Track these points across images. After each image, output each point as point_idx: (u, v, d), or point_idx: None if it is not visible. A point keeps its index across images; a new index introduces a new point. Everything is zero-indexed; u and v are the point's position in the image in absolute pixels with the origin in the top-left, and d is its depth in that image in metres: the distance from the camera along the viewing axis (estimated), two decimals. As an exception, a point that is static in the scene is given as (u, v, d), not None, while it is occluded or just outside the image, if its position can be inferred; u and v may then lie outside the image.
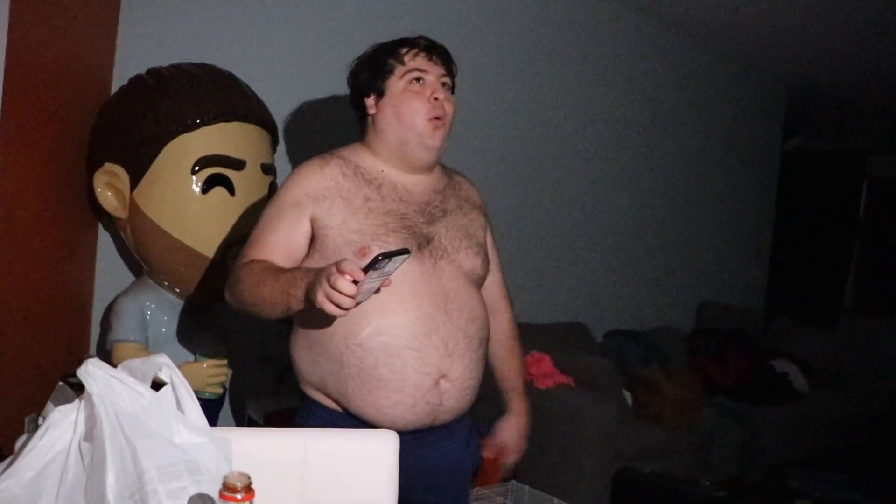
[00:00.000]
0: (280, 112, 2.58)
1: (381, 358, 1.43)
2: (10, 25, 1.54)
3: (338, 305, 1.22)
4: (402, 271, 1.35)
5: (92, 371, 0.98)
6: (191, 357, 2.13)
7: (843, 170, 6.81)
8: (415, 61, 1.54)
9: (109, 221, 2.31)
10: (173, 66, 2.14)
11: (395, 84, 1.54)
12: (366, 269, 1.22)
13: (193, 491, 0.94)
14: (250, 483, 0.84)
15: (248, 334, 2.47)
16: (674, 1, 3.97)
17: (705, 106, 4.80)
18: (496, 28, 3.51)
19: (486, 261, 1.65)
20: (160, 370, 1.06)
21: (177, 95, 2.04)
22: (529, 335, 3.48)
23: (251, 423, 2.58)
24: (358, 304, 1.26)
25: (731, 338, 4.43)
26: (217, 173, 2.06)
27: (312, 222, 1.49)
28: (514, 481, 2.75)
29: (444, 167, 1.69)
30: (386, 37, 1.62)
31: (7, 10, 1.51)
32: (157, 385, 1.07)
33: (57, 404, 1.03)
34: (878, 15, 3.90)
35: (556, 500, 2.64)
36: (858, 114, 6.33)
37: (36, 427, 1.03)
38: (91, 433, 0.98)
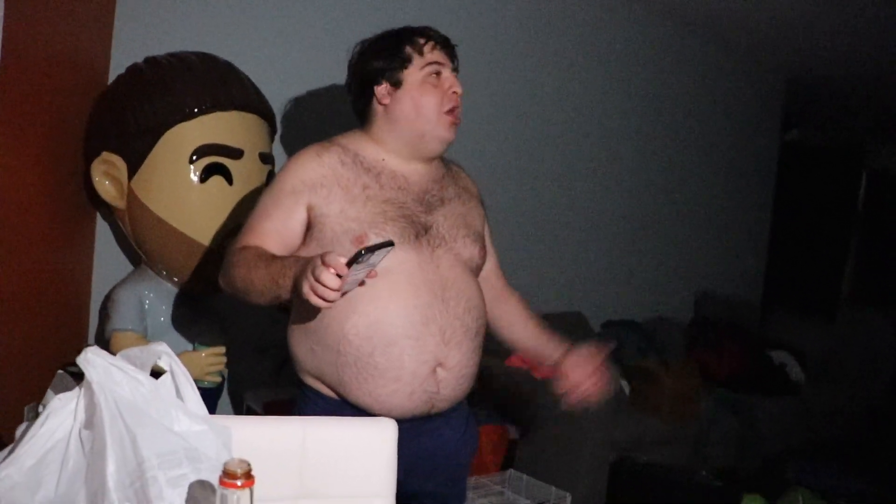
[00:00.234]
0: (278, 101, 2.58)
1: (378, 346, 1.43)
2: (5, 14, 1.53)
3: (322, 298, 1.23)
4: (400, 260, 1.36)
5: (91, 359, 0.99)
6: (189, 346, 2.13)
7: (841, 161, 6.81)
8: (433, 54, 1.54)
9: (107, 211, 2.31)
10: (171, 55, 2.14)
11: (414, 75, 1.53)
12: (349, 263, 1.22)
13: (193, 478, 0.95)
14: (250, 470, 0.85)
15: (246, 323, 2.47)
16: (673, -9, 3.96)
17: (703, 97, 4.79)
18: (494, 19, 3.50)
19: (484, 249, 1.65)
20: (159, 358, 1.07)
21: (174, 84, 2.03)
22: (528, 325, 3.50)
23: (250, 413, 2.58)
24: (344, 293, 1.26)
25: (729, 328, 4.44)
26: (215, 162, 2.06)
27: (309, 210, 1.49)
28: (511, 470, 2.76)
29: (442, 158, 1.69)
30: (383, 27, 1.61)
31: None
32: (156, 373, 1.07)
33: (57, 392, 1.04)
34: (876, 7, 3.89)
35: (553, 489, 2.65)
36: (857, 105, 6.32)
37: (35, 416, 1.03)
38: (91, 421, 0.98)
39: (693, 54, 4.65)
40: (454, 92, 1.55)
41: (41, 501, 0.95)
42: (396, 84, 1.53)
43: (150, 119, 2.02)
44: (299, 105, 2.77)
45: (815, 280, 6.62)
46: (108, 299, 2.19)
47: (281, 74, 2.71)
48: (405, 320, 1.44)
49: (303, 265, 1.28)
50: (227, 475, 0.83)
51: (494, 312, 1.74)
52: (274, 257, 1.42)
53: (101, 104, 2.15)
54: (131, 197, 2.07)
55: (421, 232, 1.51)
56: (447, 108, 1.54)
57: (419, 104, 1.52)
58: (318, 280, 1.21)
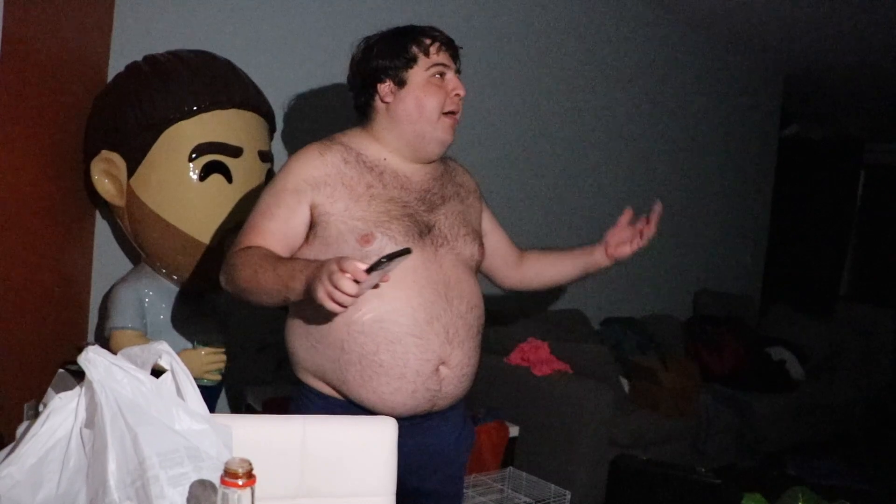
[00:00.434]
0: (277, 99, 2.57)
1: (382, 344, 1.43)
2: (5, 13, 1.53)
3: (338, 303, 1.23)
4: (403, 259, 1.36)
5: (93, 358, 0.99)
6: (189, 344, 2.13)
7: (840, 157, 6.80)
8: (438, 55, 1.54)
9: (107, 209, 2.31)
10: (170, 53, 2.13)
11: (418, 75, 1.52)
12: (369, 270, 1.22)
13: (195, 477, 0.95)
14: (251, 469, 0.85)
15: (245, 321, 2.47)
16: (672, -12, 3.96)
17: (702, 93, 4.79)
18: (495, 15, 3.49)
19: (482, 247, 1.66)
20: (160, 357, 1.07)
21: (173, 82, 2.03)
22: (527, 322, 3.51)
23: (249, 411, 2.58)
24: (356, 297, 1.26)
25: (728, 325, 4.45)
26: (214, 160, 2.05)
27: (312, 209, 1.48)
28: (511, 468, 2.77)
29: None
30: (383, 25, 1.61)
31: (2, -2, 1.50)
32: (156, 372, 1.07)
33: (57, 391, 1.04)
34: (874, 3, 3.89)
35: (553, 486, 2.66)
36: (856, 101, 6.33)
37: (35, 414, 1.03)
38: (92, 420, 0.98)
39: (691, 50, 4.64)
40: (457, 94, 1.55)
41: (42, 500, 0.95)
42: (400, 83, 1.53)
43: (149, 117, 2.01)
44: (298, 103, 2.77)
45: (813, 276, 6.62)
46: (107, 297, 2.19)
47: (280, 72, 2.71)
48: (410, 318, 1.44)
49: (316, 269, 1.28)
50: (229, 474, 0.83)
51: (523, 272, 1.85)
52: (281, 259, 1.41)
53: (100, 102, 2.14)
54: (130, 195, 2.07)
55: (424, 231, 1.51)
56: (448, 109, 1.54)
57: (422, 104, 1.52)
58: (335, 286, 1.22)
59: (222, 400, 2.64)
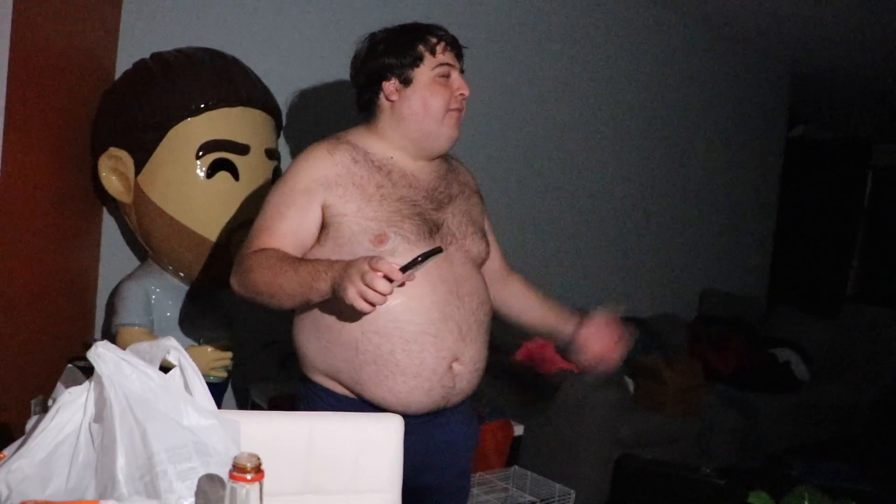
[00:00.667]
0: (284, 97, 2.58)
1: (398, 343, 1.44)
2: (14, 11, 1.54)
3: (369, 303, 1.24)
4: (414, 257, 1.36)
5: (102, 353, 0.99)
6: (195, 341, 2.14)
7: (847, 158, 6.78)
8: (444, 55, 1.54)
9: (114, 206, 2.32)
10: (177, 51, 2.14)
11: (425, 74, 1.52)
12: (403, 269, 1.23)
13: (203, 472, 0.95)
14: (260, 464, 0.85)
15: (251, 318, 2.47)
16: (679, -13, 3.95)
17: (709, 93, 4.78)
18: (495, 13, 3.49)
19: (488, 245, 1.67)
20: (168, 353, 1.07)
21: (180, 80, 2.04)
22: (532, 322, 3.50)
23: (255, 407, 2.59)
24: None
25: (733, 326, 4.43)
26: (221, 158, 2.06)
27: (324, 209, 1.47)
28: (515, 466, 2.77)
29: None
30: (388, 22, 1.61)
31: (11, -5, 1.51)
32: (164, 368, 1.08)
33: (66, 386, 1.04)
34: (882, 3, 3.88)
35: (557, 485, 2.66)
36: (863, 102, 6.30)
37: (43, 410, 1.04)
38: (101, 415, 0.99)
39: (698, 51, 4.63)
40: (462, 94, 1.55)
41: (52, 494, 0.95)
42: (406, 82, 1.52)
43: (156, 115, 2.02)
44: (305, 101, 2.77)
45: (819, 277, 6.60)
46: (114, 294, 2.19)
47: (287, 70, 2.71)
48: (424, 317, 1.45)
49: (343, 269, 1.28)
50: (238, 469, 0.84)
51: (503, 297, 1.77)
52: (300, 260, 1.41)
53: (107, 100, 2.15)
54: (138, 192, 2.08)
55: (434, 229, 1.51)
56: (452, 107, 1.54)
57: (427, 104, 1.52)
58: (369, 285, 1.22)
59: (228, 397, 2.64)
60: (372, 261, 1.24)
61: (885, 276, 6.88)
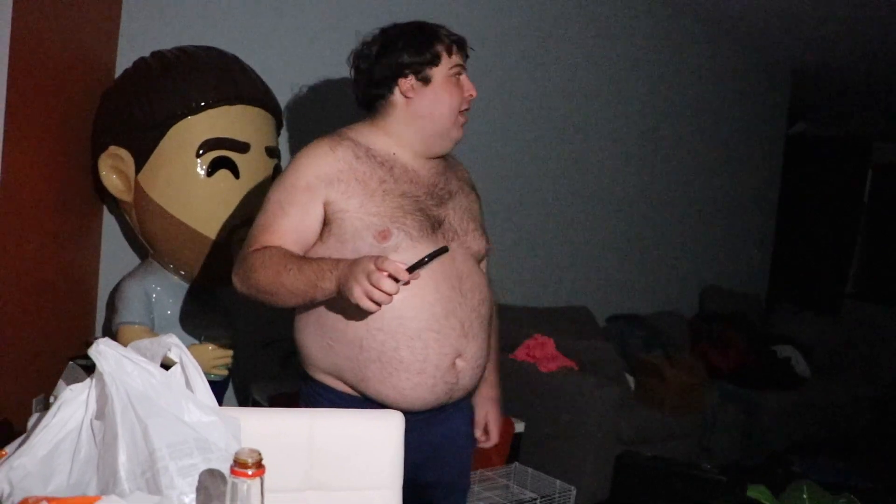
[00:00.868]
0: (284, 95, 2.58)
1: (402, 340, 1.44)
2: (14, 10, 1.54)
3: (375, 302, 1.25)
4: (419, 254, 1.36)
5: (103, 350, 0.99)
6: (196, 339, 2.14)
7: (847, 155, 6.78)
8: (457, 56, 1.55)
9: (114, 205, 2.32)
10: (177, 49, 2.14)
11: (442, 74, 1.53)
12: (410, 269, 1.23)
13: (204, 468, 0.96)
14: (261, 459, 0.85)
15: (252, 317, 2.48)
16: (679, -16, 3.95)
17: (709, 91, 4.78)
18: (496, 12, 3.49)
19: (487, 241, 1.67)
20: (170, 350, 1.07)
21: (181, 78, 2.04)
22: (533, 319, 3.51)
23: (255, 406, 2.60)
24: None
25: (734, 323, 4.44)
26: (221, 156, 2.06)
27: (326, 206, 1.46)
28: (516, 463, 2.78)
29: None
30: (388, 20, 1.61)
31: (11, -7, 1.51)
32: (165, 366, 1.08)
33: (68, 383, 1.05)
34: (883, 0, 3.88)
35: (558, 482, 2.66)
36: (864, 99, 6.30)
37: (44, 408, 1.04)
38: (102, 411, 0.99)
39: (698, 48, 4.63)
40: (471, 95, 1.57)
41: (54, 490, 0.96)
42: (425, 80, 1.52)
43: (156, 113, 2.02)
44: (305, 99, 2.77)
45: (820, 274, 6.60)
46: (115, 292, 2.20)
47: (287, 68, 2.71)
48: (428, 314, 1.45)
49: (348, 268, 1.29)
50: (239, 464, 0.84)
51: None
52: (305, 258, 1.41)
53: (108, 98, 2.16)
54: (138, 190, 2.08)
55: (436, 225, 1.52)
56: (463, 109, 1.56)
57: (443, 103, 1.53)
58: (376, 285, 1.23)
59: (229, 395, 2.65)
60: (378, 261, 1.24)
61: (885, 273, 6.88)
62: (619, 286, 4.33)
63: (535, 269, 3.83)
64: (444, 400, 1.51)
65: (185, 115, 2.03)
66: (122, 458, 0.95)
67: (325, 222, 1.48)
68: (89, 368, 1.06)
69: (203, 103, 2.04)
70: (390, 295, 1.24)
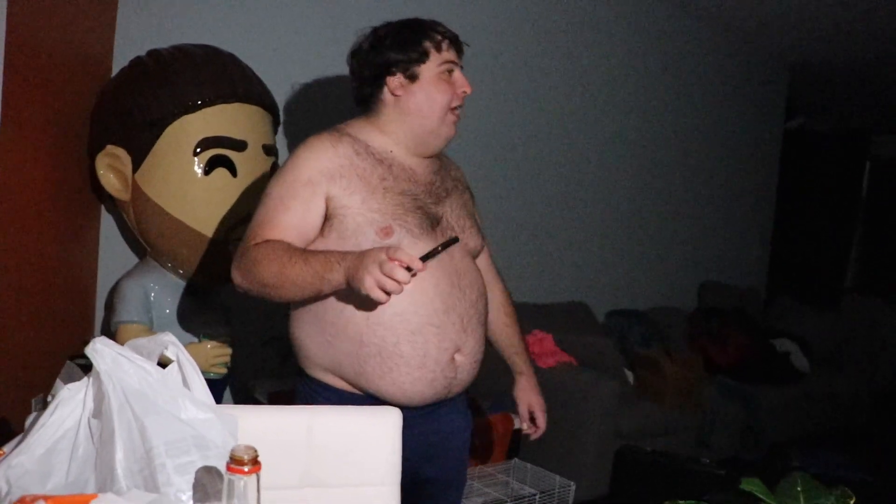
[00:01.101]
0: (281, 93, 2.58)
1: (403, 335, 1.44)
2: (9, 9, 1.54)
3: (387, 292, 1.25)
4: (420, 251, 1.37)
5: (100, 349, 1.00)
6: (194, 338, 2.14)
7: (845, 150, 6.79)
8: (449, 52, 1.54)
9: (112, 204, 2.32)
10: (174, 48, 2.14)
11: (430, 71, 1.52)
12: (424, 259, 1.23)
13: (201, 465, 0.96)
14: (257, 456, 0.86)
15: (251, 315, 2.48)
16: (676, -21, 3.94)
17: (707, 86, 4.78)
18: (493, 9, 3.49)
19: (483, 238, 1.68)
20: (166, 348, 1.08)
21: (177, 77, 2.04)
22: (532, 314, 3.52)
23: (255, 404, 2.60)
24: None
25: (733, 317, 4.45)
26: (219, 154, 2.06)
27: (327, 201, 1.46)
28: (516, 459, 2.78)
29: None
30: (385, 18, 1.61)
31: (7, -8, 1.51)
32: (162, 364, 1.08)
33: (65, 382, 1.05)
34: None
35: (558, 477, 2.67)
36: (861, 93, 6.30)
37: (43, 407, 1.04)
38: (100, 410, 1.00)
39: (696, 43, 4.63)
40: (464, 91, 1.56)
41: (52, 488, 0.96)
42: (412, 77, 1.52)
43: (153, 112, 2.02)
44: (302, 96, 2.78)
45: (819, 268, 6.61)
46: (113, 292, 2.20)
47: (284, 66, 2.71)
48: (428, 309, 1.45)
49: (357, 259, 1.29)
50: (235, 461, 0.84)
51: None
52: (309, 251, 1.40)
53: (104, 97, 2.15)
54: (136, 189, 2.08)
55: (435, 223, 1.52)
56: (454, 105, 1.55)
57: (433, 100, 1.52)
58: (389, 275, 1.23)
59: (228, 394, 2.65)
60: (390, 251, 1.24)
61: (883, 266, 6.88)
62: (618, 282, 4.33)
63: (533, 265, 3.84)
64: (442, 395, 1.52)
65: (182, 114, 2.03)
66: (120, 456, 0.95)
67: (326, 218, 1.47)
68: (87, 367, 1.06)
69: (200, 102, 2.04)
70: (402, 285, 1.24)
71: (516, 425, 2.91)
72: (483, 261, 1.73)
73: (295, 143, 1.58)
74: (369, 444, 1.33)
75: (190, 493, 0.94)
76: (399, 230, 1.45)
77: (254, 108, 2.16)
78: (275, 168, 2.20)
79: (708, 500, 0.93)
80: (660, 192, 4.53)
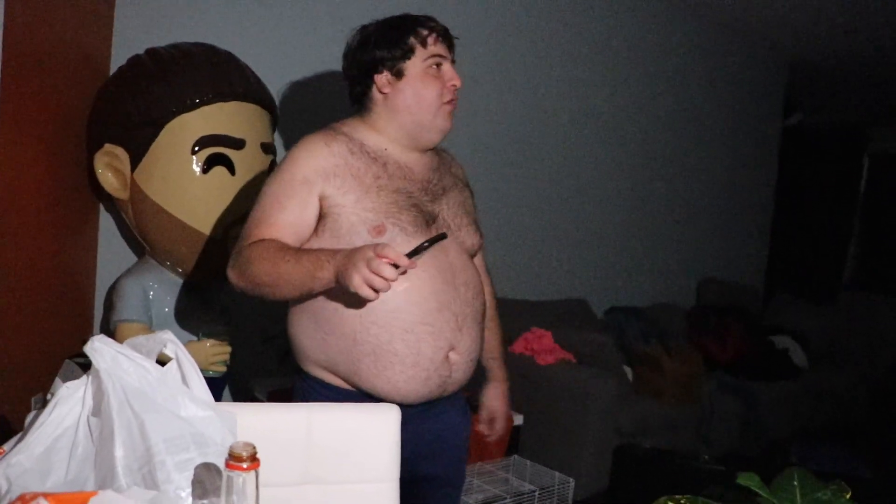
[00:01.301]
0: (279, 91, 2.58)
1: (396, 333, 1.45)
2: (6, 8, 1.54)
3: (374, 290, 1.25)
4: (412, 248, 1.37)
5: (99, 347, 1.00)
6: (194, 336, 2.14)
7: (843, 145, 6.79)
8: (435, 46, 1.54)
9: (111, 203, 2.32)
10: (171, 46, 2.14)
11: (416, 66, 1.52)
12: (410, 255, 1.23)
13: (200, 462, 0.96)
14: (255, 452, 0.86)
15: (250, 313, 2.49)
16: (673, -24, 3.94)
17: (706, 82, 4.78)
18: (489, 4, 3.49)
19: (481, 236, 1.68)
20: (165, 346, 1.08)
21: (175, 75, 2.04)
22: (531, 311, 3.52)
23: (254, 402, 2.60)
24: None
25: (731, 314, 4.45)
26: (217, 153, 2.07)
27: (321, 200, 1.47)
28: (515, 456, 2.79)
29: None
30: (383, 14, 1.61)
31: (4, -9, 1.51)
32: (161, 362, 1.09)
33: (65, 381, 1.05)
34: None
35: (557, 474, 2.67)
36: (859, 89, 6.30)
37: (43, 406, 1.04)
38: (99, 408, 1.00)
39: (694, 39, 4.63)
40: (453, 85, 1.55)
41: (51, 486, 0.96)
42: (398, 74, 1.53)
43: (151, 110, 2.03)
44: (300, 94, 2.78)
45: (817, 264, 6.62)
46: (112, 291, 2.20)
47: (281, 64, 2.71)
48: (422, 307, 1.46)
49: (347, 256, 1.29)
50: (233, 458, 0.85)
51: None
52: (302, 250, 1.41)
53: (102, 96, 2.16)
54: (134, 188, 2.08)
55: (430, 221, 1.52)
56: (445, 99, 1.55)
57: (420, 95, 1.52)
58: (376, 272, 1.23)
59: (227, 392, 2.65)
60: (377, 248, 1.25)
61: (881, 262, 6.89)
62: (617, 278, 4.34)
63: (532, 262, 3.84)
64: (437, 393, 1.52)
65: (180, 112, 2.03)
66: (119, 454, 0.95)
67: (321, 217, 1.48)
68: (86, 366, 1.06)
69: (198, 100, 2.04)
70: (389, 282, 1.25)
71: (515, 422, 2.92)
72: (475, 260, 1.73)
73: (292, 141, 1.58)
74: (368, 441, 1.33)
75: (189, 490, 0.95)
76: (392, 228, 1.45)
77: (252, 106, 2.16)
78: (273, 166, 2.20)
79: (705, 495, 0.94)
80: (658, 188, 4.53)
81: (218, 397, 2.20)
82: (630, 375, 3.61)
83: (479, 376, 1.74)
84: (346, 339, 1.47)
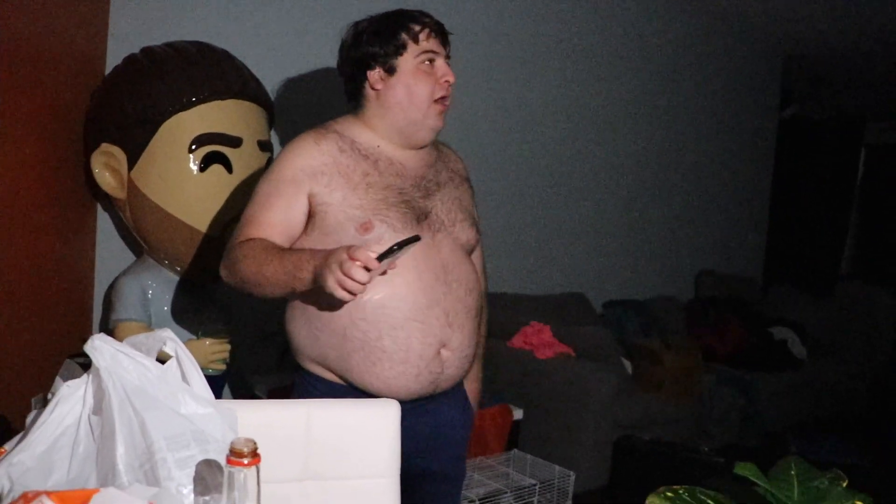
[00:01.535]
0: (275, 88, 2.58)
1: (385, 330, 1.45)
2: (0, 7, 1.54)
3: (349, 291, 1.25)
4: None
5: (99, 346, 1.00)
6: (193, 335, 2.15)
7: (840, 137, 6.79)
8: (428, 42, 1.53)
9: (108, 202, 2.32)
10: (167, 45, 2.14)
11: (408, 62, 1.52)
12: (380, 258, 1.23)
13: (201, 459, 0.97)
14: (256, 448, 0.87)
15: (249, 311, 2.49)
16: (668, -31, 3.94)
17: (702, 75, 4.78)
18: (495, 4, 3.49)
19: (478, 232, 1.67)
20: (165, 344, 1.08)
21: (171, 74, 2.04)
22: (529, 305, 3.53)
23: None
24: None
25: (730, 306, 4.46)
26: (214, 151, 2.07)
27: (310, 199, 1.48)
28: (515, 450, 2.79)
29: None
30: (377, 10, 1.61)
31: (-2, -9, 1.51)
32: (161, 361, 1.09)
33: (65, 380, 1.05)
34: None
35: (557, 467, 2.68)
36: (856, 81, 6.30)
37: (44, 405, 1.05)
38: (100, 406, 1.00)
39: (690, 32, 4.63)
40: (446, 80, 1.54)
41: (53, 485, 0.97)
42: (390, 70, 1.52)
43: (148, 109, 2.03)
44: (296, 92, 2.77)
45: (814, 256, 6.62)
46: (111, 290, 2.20)
47: (278, 62, 2.71)
48: (411, 304, 1.46)
49: (323, 258, 1.29)
50: (234, 454, 0.85)
51: None
52: (285, 250, 1.42)
53: (99, 95, 2.16)
54: (131, 187, 2.08)
55: (421, 217, 1.52)
56: (438, 96, 1.54)
57: (412, 92, 1.52)
58: (347, 274, 1.23)
59: (227, 390, 2.65)
60: (350, 250, 1.25)
61: (878, 253, 6.90)
62: (615, 272, 4.34)
63: (531, 256, 3.85)
64: (429, 389, 1.52)
65: (177, 111, 2.03)
66: (121, 451, 0.96)
67: (310, 215, 1.49)
68: (86, 365, 1.07)
69: (194, 98, 2.04)
70: (363, 284, 1.25)
71: (515, 417, 2.93)
72: (473, 256, 1.73)
73: (289, 138, 1.58)
74: (368, 436, 1.34)
75: (191, 487, 0.95)
76: (380, 225, 1.45)
77: (248, 104, 2.16)
78: (270, 164, 2.20)
79: (703, 486, 0.94)
80: (656, 182, 4.53)
81: (218, 396, 2.19)
82: (629, 369, 3.61)
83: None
84: (336, 335, 1.47)
